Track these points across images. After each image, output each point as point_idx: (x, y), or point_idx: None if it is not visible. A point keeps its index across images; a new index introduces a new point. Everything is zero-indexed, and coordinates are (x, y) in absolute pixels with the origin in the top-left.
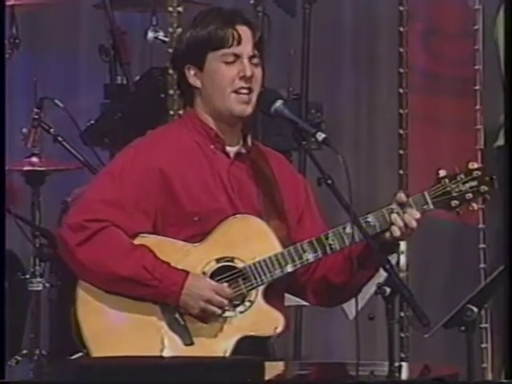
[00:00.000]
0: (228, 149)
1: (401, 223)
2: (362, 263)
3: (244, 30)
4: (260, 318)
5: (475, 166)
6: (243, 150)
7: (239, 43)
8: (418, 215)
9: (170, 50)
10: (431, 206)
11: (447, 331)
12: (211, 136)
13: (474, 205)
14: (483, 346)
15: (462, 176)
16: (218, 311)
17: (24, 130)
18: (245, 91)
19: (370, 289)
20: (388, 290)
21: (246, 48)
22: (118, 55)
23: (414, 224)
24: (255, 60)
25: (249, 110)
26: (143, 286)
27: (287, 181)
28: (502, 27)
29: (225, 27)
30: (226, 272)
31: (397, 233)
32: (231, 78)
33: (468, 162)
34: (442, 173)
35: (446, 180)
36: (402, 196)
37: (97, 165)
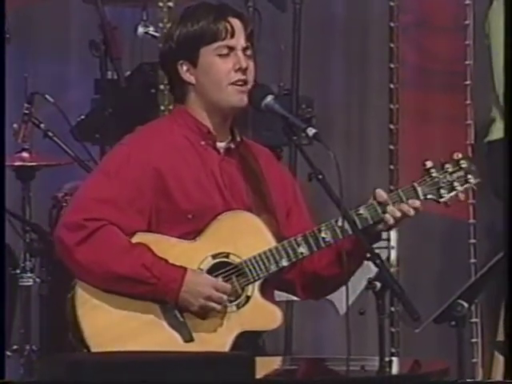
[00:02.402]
0: (218, 144)
1: (398, 213)
2: (351, 254)
3: (236, 23)
4: (258, 313)
5: (460, 156)
6: (232, 145)
7: (232, 36)
8: (417, 203)
9: (161, 46)
10: (421, 197)
11: (438, 326)
12: (203, 132)
13: (462, 195)
14: (473, 340)
15: (449, 166)
16: (218, 307)
17: (14, 126)
18: (241, 83)
19: (360, 284)
20: (378, 285)
21: (240, 40)
22: (108, 50)
23: (412, 213)
24: (248, 52)
25: (246, 99)
26: (142, 284)
27: (274, 175)
28: (494, 21)
29: (217, 20)
30: (222, 268)
31: (391, 221)
32: (227, 70)
33: (453, 152)
34: (429, 164)
35: (434, 170)
36: (381, 193)
37: (87, 160)
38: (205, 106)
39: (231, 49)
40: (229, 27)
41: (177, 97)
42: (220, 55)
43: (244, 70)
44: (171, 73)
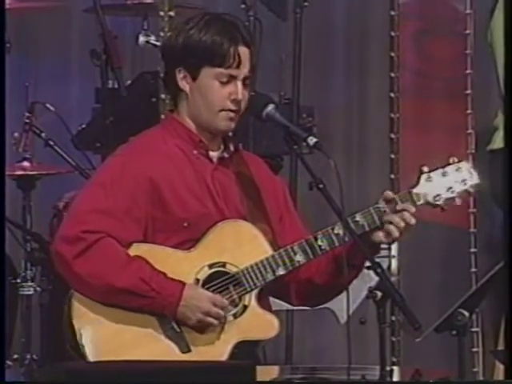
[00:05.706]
0: (211, 154)
1: (402, 224)
2: (349, 262)
3: (245, 52)
4: (256, 322)
5: (456, 160)
6: (225, 155)
7: (238, 66)
8: (413, 209)
9: (167, 38)
10: (418, 203)
11: (438, 335)
12: (195, 141)
13: (458, 200)
14: (474, 350)
15: (445, 171)
16: (216, 322)
17: (15, 135)
18: (232, 111)
19: (361, 293)
20: (379, 294)
21: (243, 70)
22: (109, 59)
23: (413, 221)
24: (247, 81)
25: (233, 125)
26: (141, 298)
27: (266, 183)
28: (497, 29)
29: (227, 45)
30: (219, 277)
31: (395, 234)
32: (222, 97)
33: (448, 157)
34: (426, 169)
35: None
36: (389, 193)
37: (88, 169)
38: (194, 119)
39: (232, 77)
40: (237, 57)
41: (170, 97)
42: (220, 81)
43: (239, 101)
44: (168, 74)
